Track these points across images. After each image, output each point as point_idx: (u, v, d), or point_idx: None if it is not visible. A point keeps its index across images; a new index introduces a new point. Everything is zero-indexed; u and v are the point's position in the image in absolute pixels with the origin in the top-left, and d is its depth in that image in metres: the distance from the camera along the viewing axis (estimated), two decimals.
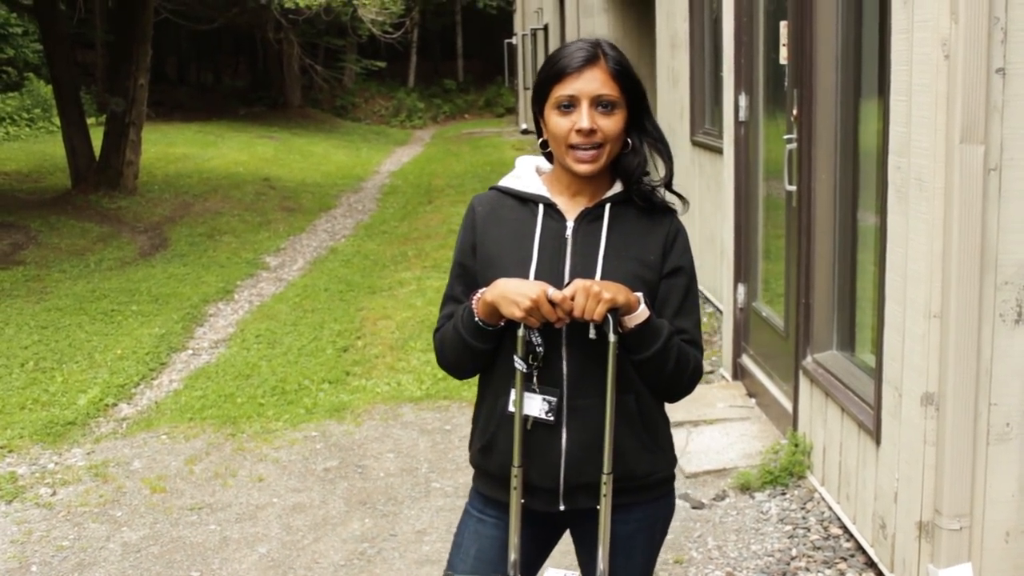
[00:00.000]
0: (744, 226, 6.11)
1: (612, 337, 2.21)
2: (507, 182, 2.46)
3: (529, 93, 27.20)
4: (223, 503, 5.09)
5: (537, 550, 2.56)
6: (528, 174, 2.45)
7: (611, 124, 2.27)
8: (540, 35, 23.56)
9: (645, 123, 2.36)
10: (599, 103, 2.27)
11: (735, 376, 6.18)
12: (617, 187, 2.38)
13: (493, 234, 2.40)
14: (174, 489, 5.27)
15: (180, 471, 5.49)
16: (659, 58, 9.97)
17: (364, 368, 7.22)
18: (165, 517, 4.96)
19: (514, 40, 30.68)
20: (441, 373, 6.81)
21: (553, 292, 2.20)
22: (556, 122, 2.29)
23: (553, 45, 21.04)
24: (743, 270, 6.13)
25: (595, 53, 2.28)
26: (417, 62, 40.67)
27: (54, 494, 5.26)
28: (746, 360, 6.07)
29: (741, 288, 6.13)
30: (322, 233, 13.47)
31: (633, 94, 2.31)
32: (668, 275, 2.36)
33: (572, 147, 2.28)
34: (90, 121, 17.44)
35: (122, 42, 15.95)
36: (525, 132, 27.25)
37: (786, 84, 5.21)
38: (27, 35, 24.06)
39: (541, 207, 2.38)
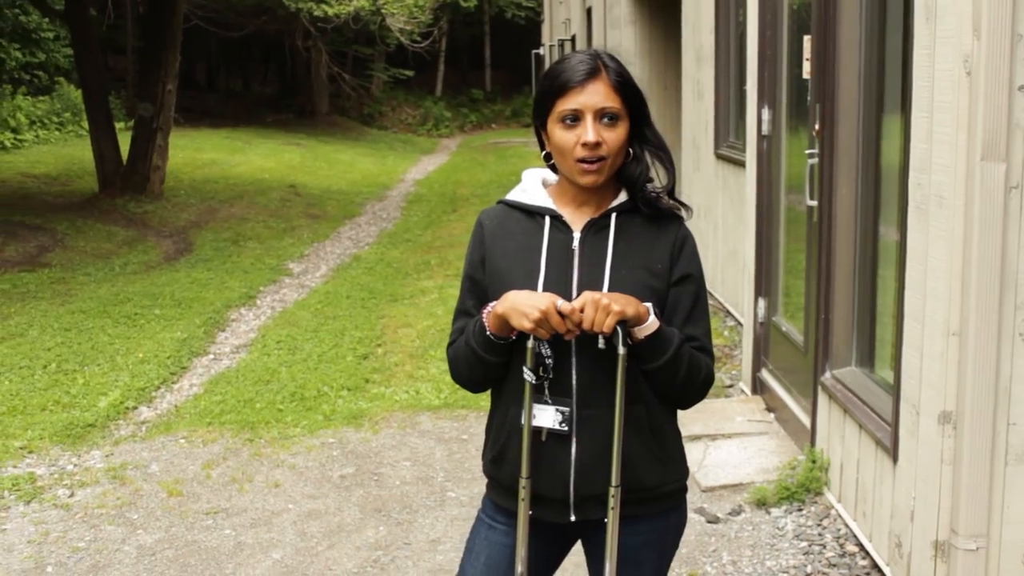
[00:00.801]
0: (765, 240, 6.09)
1: (621, 349, 2.22)
2: (513, 195, 2.47)
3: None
4: (239, 508, 5.10)
5: (548, 561, 2.56)
6: (534, 187, 2.46)
7: (615, 136, 2.29)
8: (568, 46, 23.56)
9: (646, 132, 2.37)
10: (603, 115, 2.28)
11: (754, 390, 6.15)
12: (622, 196, 2.40)
13: (501, 248, 2.42)
14: (191, 493, 5.29)
15: (197, 475, 5.51)
16: (685, 71, 9.96)
17: (383, 376, 7.23)
18: (181, 521, 4.98)
19: (542, 51, 30.70)
20: None
21: (562, 304, 2.20)
22: (561, 136, 2.30)
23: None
24: (764, 284, 6.11)
25: (596, 66, 2.29)
26: (445, 71, 40.78)
27: (72, 495, 5.29)
28: (765, 375, 6.05)
29: (762, 302, 6.11)
30: (346, 240, 13.51)
31: (634, 104, 2.32)
32: (676, 283, 2.37)
33: (578, 160, 2.29)
34: (119, 126, 17.59)
35: (152, 48, 16.08)
36: None
37: (809, 99, 5.19)
38: (58, 40, 24.32)
39: (547, 219, 2.39)
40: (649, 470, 2.37)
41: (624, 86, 2.30)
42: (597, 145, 2.26)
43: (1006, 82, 3.33)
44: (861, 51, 4.68)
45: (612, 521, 2.33)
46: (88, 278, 10.74)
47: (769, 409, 5.90)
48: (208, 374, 7.50)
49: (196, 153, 20.93)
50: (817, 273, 4.93)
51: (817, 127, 4.93)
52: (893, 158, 4.39)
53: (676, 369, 2.30)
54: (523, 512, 2.39)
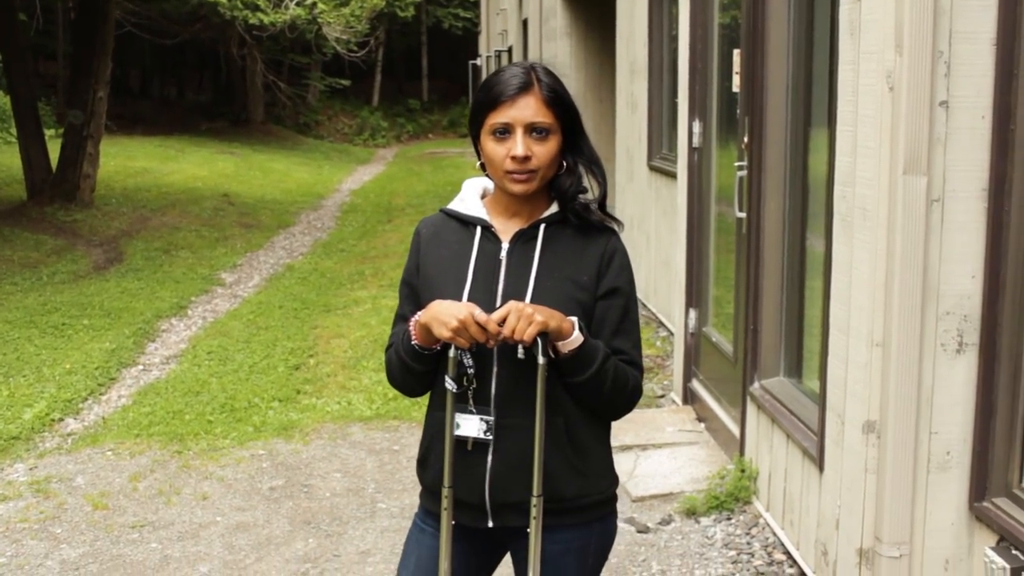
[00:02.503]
0: (696, 251, 6.14)
1: (541, 360, 2.22)
2: (452, 205, 2.50)
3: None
4: (166, 521, 5.03)
5: (477, 565, 2.55)
6: (471, 197, 2.48)
7: (545, 150, 2.30)
8: (504, 57, 23.63)
9: (580, 144, 2.38)
10: (533, 129, 2.29)
11: (685, 400, 6.20)
12: (553, 207, 2.41)
13: (434, 256, 2.44)
14: (116, 506, 5.21)
15: (123, 488, 5.43)
16: (619, 84, 10.02)
17: (315, 387, 7.18)
18: (106, 535, 4.89)
19: (479, 61, 30.74)
20: (392, 393, 6.80)
21: (479, 314, 2.21)
22: (492, 148, 2.32)
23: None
24: (695, 295, 6.16)
25: (529, 80, 2.31)
26: (381, 81, 40.68)
27: None
28: (696, 385, 6.09)
29: (692, 313, 6.15)
30: (279, 250, 13.41)
31: (567, 118, 2.34)
32: (604, 296, 2.38)
33: (507, 172, 2.31)
34: (49, 133, 17.31)
35: (83, 54, 15.84)
36: None
37: (738, 112, 5.24)
38: None
39: (479, 229, 2.41)
40: (567, 482, 2.37)
41: (556, 100, 2.31)
42: (526, 159, 2.28)
43: (927, 97, 3.39)
44: (789, 65, 4.74)
45: (535, 531, 2.33)
46: (15, 287, 10.54)
47: (700, 419, 5.95)
48: (137, 385, 7.39)
49: (128, 161, 20.64)
50: (746, 284, 4.98)
51: (746, 140, 4.99)
52: (820, 171, 4.44)
53: (601, 383, 2.31)
54: (446, 521, 2.38)
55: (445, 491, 2.36)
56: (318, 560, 4.62)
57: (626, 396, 2.38)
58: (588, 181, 2.42)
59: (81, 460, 5.84)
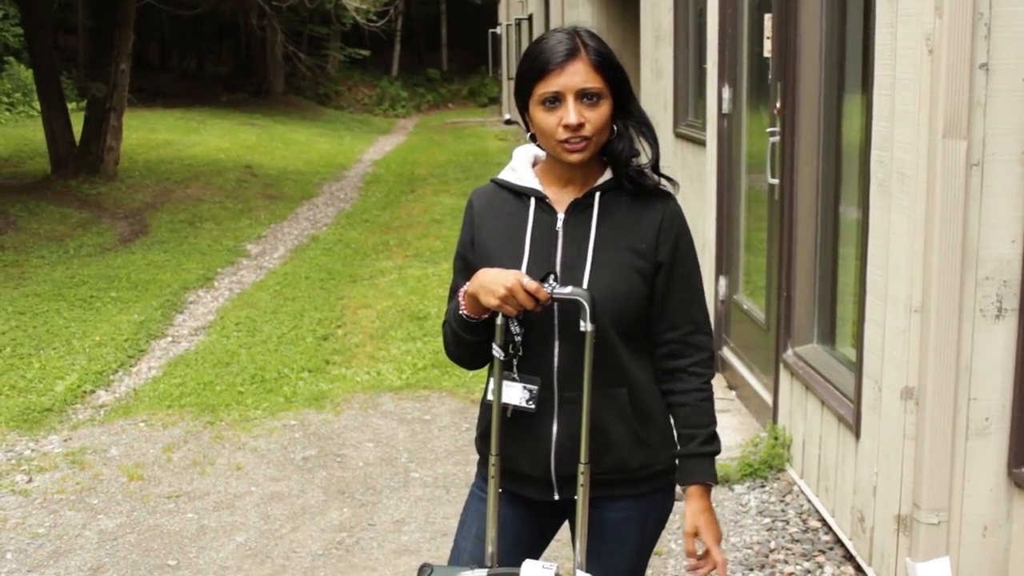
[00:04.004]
0: (726, 219, 6.11)
1: (589, 327, 2.22)
2: (503, 175, 2.46)
3: (512, 83, 27.08)
4: (201, 491, 5.06)
5: (537, 535, 2.56)
6: (522, 166, 2.44)
7: (597, 115, 2.26)
8: (524, 25, 23.51)
9: (630, 107, 2.34)
10: (584, 95, 2.25)
11: (716, 368, 6.18)
12: (607, 174, 2.37)
13: (489, 228, 2.41)
14: (151, 477, 5.24)
15: (158, 459, 5.46)
16: (643, 50, 9.94)
17: (344, 357, 7.20)
18: (142, 505, 4.93)
19: (498, 30, 30.60)
20: (421, 363, 6.82)
21: (528, 281, 2.20)
22: (542, 118, 2.27)
23: (537, 36, 21.03)
24: (725, 263, 6.13)
25: (575, 45, 2.26)
26: (401, 51, 40.56)
27: (30, 481, 5.23)
28: (727, 352, 6.08)
29: (723, 280, 6.13)
30: (304, 221, 13.42)
31: (616, 81, 2.29)
32: (665, 264, 2.34)
33: (560, 141, 2.27)
34: (71, 106, 17.32)
35: (104, 27, 15.83)
36: (508, 122, 27.18)
37: (770, 77, 5.20)
38: (7, 19, 23.89)
39: (532, 200, 2.38)
40: (632, 452, 2.37)
41: (604, 64, 2.27)
42: (579, 126, 2.24)
43: (967, 60, 3.35)
44: (822, 30, 4.69)
45: (582, 498, 2.33)
46: (42, 261, 10.59)
47: (731, 387, 5.94)
48: (166, 357, 7.43)
49: (150, 134, 20.67)
50: (779, 251, 4.96)
51: (778, 105, 4.94)
52: (854, 136, 4.41)
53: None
54: (493, 489, 2.38)
55: (492, 459, 2.36)
56: (353, 529, 4.64)
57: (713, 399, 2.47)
58: (640, 143, 2.38)
59: (114, 431, 5.88)
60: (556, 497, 2.41)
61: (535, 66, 2.27)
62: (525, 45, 23.33)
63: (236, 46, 38.87)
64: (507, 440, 2.37)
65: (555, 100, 2.25)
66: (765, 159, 5.19)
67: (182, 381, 6.74)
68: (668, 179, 2.43)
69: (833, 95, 4.64)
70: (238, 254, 11.17)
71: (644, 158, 2.39)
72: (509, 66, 27.46)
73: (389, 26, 29.28)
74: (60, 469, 5.36)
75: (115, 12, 15.28)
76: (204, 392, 6.49)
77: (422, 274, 9.67)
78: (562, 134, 2.25)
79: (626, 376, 2.34)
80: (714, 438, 2.42)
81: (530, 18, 22.36)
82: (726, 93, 5.98)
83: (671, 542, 4.40)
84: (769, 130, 5.11)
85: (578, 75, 2.24)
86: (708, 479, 2.40)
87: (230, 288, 9.61)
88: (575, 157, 2.28)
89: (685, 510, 2.39)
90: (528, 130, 2.38)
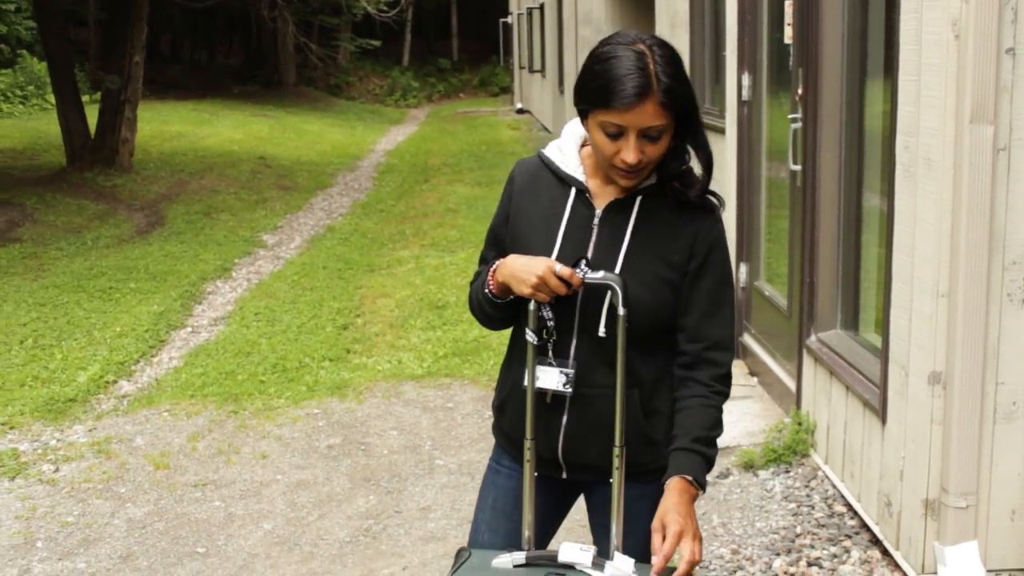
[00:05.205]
0: (747, 205, 6.12)
1: (621, 311, 2.23)
2: (549, 152, 2.42)
3: (524, 72, 27.15)
4: (227, 480, 5.10)
5: (551, 510, 2.58)
6: (570, 147, 2.39)
7: (657, 149, 2.19)
8: (536, 14, 23.49)
9: (693, 129, 2.25)
10: (646, 134, 2.17)
11: (737, 355, 6.19)
12: (653, 178, 2.31)
13: (526, 210, 2.40)
14: (177, 466, 5.28)
15: (183, 448, 5.50)
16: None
17: (364, 346, 7.23)
18: (169, 493, 4.97)
19: (509, 19, 30.59)
20: (442, 351, 6.85)
21: (560, 268, 2.22)
22: (601, 141, 2.20)
23: (549, 25, 20.97)
24: (745, 249, 6.13)
25: (647, 84, 2.12)
26: (412, 41, 40.55)
27: (57, 470, 5.27)
28: (748, 339, 6.09)
29: (743, 267, 6.14)
30: (319, 212, 13.45)
31: (683, 112, 2.19)
32: (694, 277, 2.31)
33: (614, 167, 2.22)
34: (84, 99, 17.37)
35: (117, 19, 15.86)
36: (520, 112, 27.20)
37: (791, 63, 5.20)
38: (20, 12, 23.93)
39: (573, 191, 2.36)
40: (641, 450, 2.37)
41: (674, 101, 2.15)
42: (637, 162, 2.18)
43: (994, 44, 3.36)
44: (844, 15, 4.69)
45: (617, 481, 2.34)
46: (60, 252, 10.64)
47: (752, 373, 5.95)
48: (187, 347, 7.46)
49: (163, 125, 20.71)
50: (801, 237, 4.96)
51: (800, 92, 4.95)
52: (877, 122, 4.41)
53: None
54: (528, 473, 2.41)
55: (528, 443, 2.38)
56: (380, 516, 4.67)
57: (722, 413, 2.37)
58: (694, 162, 2.31)
59: (138, 421, 5.92)
60: (564, 476, 2.45)
61: (601, 96, 2.16)
62: (537, 34, 23.37)
63: (247, 38, 38.89)
64: (522, 418, 2.39)
65: (617, 134, 2.18)
66: (786, 145, 5.19)
67: (204, 371, 6.77)
68: (714, 194, 2.36)
69: (856, 81, 4.64)
70: (255, 244, 11.21)
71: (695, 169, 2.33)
72: (520, 56, 27.46)
73: (400, 16, 29.25)
74: (86, 458, 5.40)
75: (128, 5, 15.30)
76: (226, 381, 6.53)
77: (439, 263, 9.69)
78: (619, 163, 2.20)
79: (636, 376, 2.33)
80: (709, 442, 2.29)
81: (541, 7, 22.34)
82: (746, 80, 5.98)
83: None
84: (791, 116, 5.11)
85: (645, 115, 2.13)
86: (688, 473, 2.22)
87: (248, 278, 9.65)
88: (626, 183, 2.25)
89: (659, 504, 2.21)
90: (583, 120, 2.30)
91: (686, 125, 2.23)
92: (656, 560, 2.11)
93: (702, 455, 2.27)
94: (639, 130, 2.15)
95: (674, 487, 2.21)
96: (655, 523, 2.16)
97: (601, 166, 2.29)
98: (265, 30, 33.42)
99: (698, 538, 2.14)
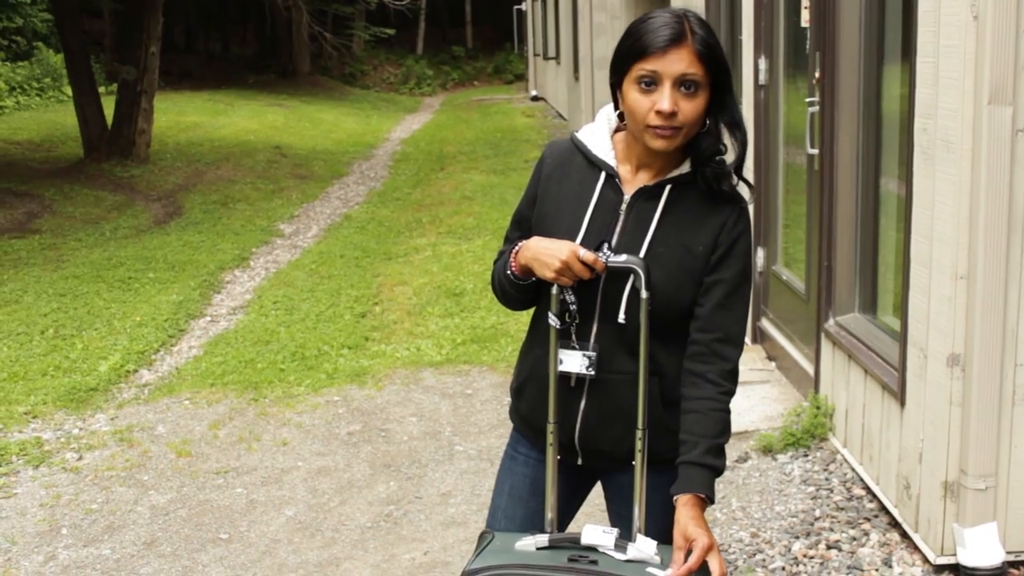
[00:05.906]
0: (763, 189, 6.11)
1: (644, 294, 2.25)
2: (582, 135, 2.42)
3: (538, 60, 27.11)
4: (248, 467, 5.14)
5: (568, 495, 2.59)
6: (602, 131, 2.40)
7: (692, 107, 2.19)
8: (550, 1, 23.44)
9: (727, 103, 2.26)
10: (682, 83, 2.17)
11: (755, 339, 6.20)
12: (684, 167, 2.31)
13: (554, 192, 2.40)
14: (199, 453, 5.32)
15: (204, 436, 5.54)
16: None
17: (383, 334, 7.25)
18: (192, 481, 5.01)
19: (523, 6, 30.53)
20: (460, 338, 6.87)
21: (584, 253, 2.23)
22: (635, 98, 2.20)
23: (564, 11, 20.93)
24: (763, 233, 6.13)
25: (682, 30, 2.16)
26: (426, 29, 40.48)
27: (80, 459, 5.31)
28: (765, 323, 6.09)
29: (760, 252, 6.13)
30: (335, 200, 13.48)
31: (718, 74, 2.21)
32: (714, 268, 2.30)
33: (650, 126, 2.20)
34: (100, 90, 17.43)
35: (131, 11, 15.90)
36: (535, 99, 27.16)
37: (808, 47, 5.19)
38: (35, 4, 24.01)
39: (603, 175, 2.36)
40: (659, 439, 2.37)
41: (709, 55, 2.17)
42: (672, 115, 2.17)
43: (1013, 25, 3.35)
44: None
45: (640, 464, 2.36)
46: (79, 243, 10.70)
47: (770, 358, 5.95)
48: (206, 336, 7.51)
49: (179, 116, 20.78)
50: (819, 220, 4.96)
51: (817, 75, 4.94)
52: (895, 105, 4.41)
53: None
54: (551, 457, 2.42)
55: (550, 427, 2.40)
56: (400, 502, 4.70)
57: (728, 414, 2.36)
58: (729, 142, 2.30)
59: (160, 409, 5.96)
60: (579, 462, 2.47)
61: (637, 45, 2.19)
62: (551, 21, 23.32)
63: (261, 27, 38.87)
64: (541, 402, 2.40)
65: (652, 83, 2.18)
66: (803, 129, 5.18)
67: (223, 359, 6.81)
68: (747, 183, 2.37)
69: (873, 63, 4.63)
70: (272, 234, 11.25)
71: (729, 156, 2.33)
72: (535, 43, 27.40)
73: (414, 4, 29.22)
74: (109, 447, 5.45)
75: None
76: (246, 370, 6.57)
77: (456, 251, 9.71)
78: (653, 119, 2.18)
79: (657, 364, 2.33)
80: (719, 452, 2.28)
81: None
82: (762, 64, 5.97)
83: (716, 511, 4.44)
84: (808, 100, 5.11)
85: (680, 61, 2.16)
86: (702, 491, 2.24)
87: (266, 267, 9.69)
88: (661, 144, 2.22)
89: (675, 519, 2.21)
90: (617, 108, 2.33)
91: (720, 97, 2.24)
92: (681, 570, 2.14)
93: (712, 468, 2.28)
94: (674, 78, 2.16)
95: (688, 502, 2.23)
96: (677, 539, 2.18)
97: (635, 133, 2.27)
98: (279, 19, 33.40)
99: (719, 553, 2.18)
